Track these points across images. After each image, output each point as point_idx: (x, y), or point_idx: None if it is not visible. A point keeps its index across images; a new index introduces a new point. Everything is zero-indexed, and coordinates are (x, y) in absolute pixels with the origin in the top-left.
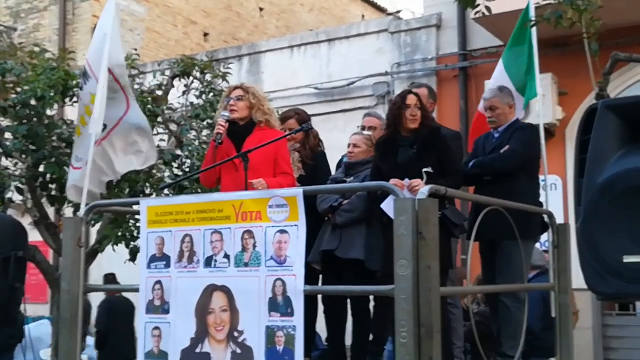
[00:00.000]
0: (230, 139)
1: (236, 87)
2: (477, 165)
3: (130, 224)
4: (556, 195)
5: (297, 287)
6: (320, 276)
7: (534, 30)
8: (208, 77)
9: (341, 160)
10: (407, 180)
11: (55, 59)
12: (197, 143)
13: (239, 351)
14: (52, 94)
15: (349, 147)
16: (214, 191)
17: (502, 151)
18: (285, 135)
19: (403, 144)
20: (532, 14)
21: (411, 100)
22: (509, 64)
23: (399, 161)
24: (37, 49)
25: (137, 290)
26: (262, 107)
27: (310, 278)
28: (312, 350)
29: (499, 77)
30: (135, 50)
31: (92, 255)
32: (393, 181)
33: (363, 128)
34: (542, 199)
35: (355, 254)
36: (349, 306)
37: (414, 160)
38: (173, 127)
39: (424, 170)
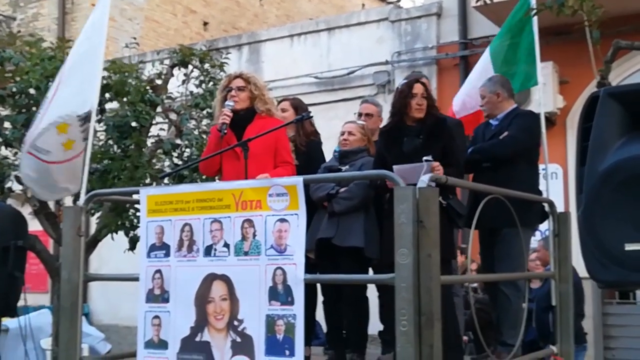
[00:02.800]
0: (230, 127)
1: (236, 76)
2: (476, 151)
3: (130, 213)
4: (557, 184)
5: (297, 276)
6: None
7: (535, 17)
8: (207, 65)
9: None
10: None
11: (53, 48)
12: (196, 132)
13: (238, 340)
14: (49, 84)
15: (342, 134)
16: (214, 180)
17: (501, 137)
18: (285, 124)
19: (408, 133)
20: (533, 2)
21: (418, 89)
22: (496, 52)
23: (405, 150)
24: (32, 39)
25: (136, 279)
26: (262, 97)
27: (305, 266)
28: (312, 339)
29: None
30: (134, 39)
31: (92, 244)
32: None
33: (360, 114)
34: (542, 188)
35: (354, 241)
36: None
37: (420, 149)
38: (172, 116)
39: (425, 158)
